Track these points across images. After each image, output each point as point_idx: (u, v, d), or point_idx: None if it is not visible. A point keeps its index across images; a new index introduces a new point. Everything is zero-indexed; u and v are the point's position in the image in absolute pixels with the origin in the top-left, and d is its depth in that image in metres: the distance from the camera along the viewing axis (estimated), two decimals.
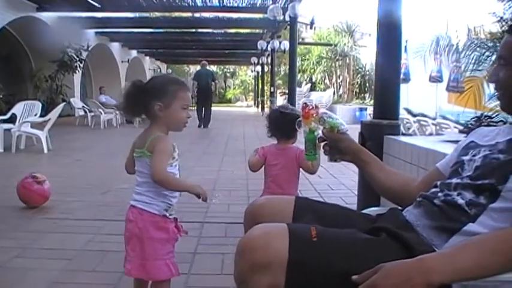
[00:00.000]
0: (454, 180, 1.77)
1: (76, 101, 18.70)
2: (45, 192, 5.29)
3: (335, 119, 2.23)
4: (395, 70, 4.30)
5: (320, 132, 2.22)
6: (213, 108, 18.57)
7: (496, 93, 1.85)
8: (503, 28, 8.38)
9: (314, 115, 2.21)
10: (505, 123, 3.31)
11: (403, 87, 6.23)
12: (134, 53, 30.87)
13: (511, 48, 1.75)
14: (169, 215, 2.50)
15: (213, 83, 18.03)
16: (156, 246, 2.43)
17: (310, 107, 2.23)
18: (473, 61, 9.82)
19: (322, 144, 2.22)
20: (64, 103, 12.76)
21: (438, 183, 1.85)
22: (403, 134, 4.39)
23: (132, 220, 2.46)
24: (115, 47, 26.56)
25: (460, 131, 5.16)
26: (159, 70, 41.25)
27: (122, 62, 27.93)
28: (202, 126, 17.27)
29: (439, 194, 1.78)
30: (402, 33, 4.18)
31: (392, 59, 4.21)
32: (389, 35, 4.16)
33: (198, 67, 19.08)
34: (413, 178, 2.25)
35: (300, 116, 2.27)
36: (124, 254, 2.55)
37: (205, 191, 2.43)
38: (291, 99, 15.80)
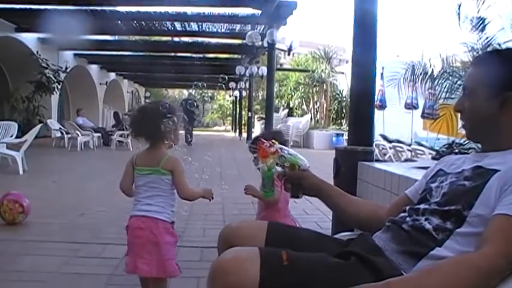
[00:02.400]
0: (422, 206, 1.82)
1: (53, 123, 18.56)
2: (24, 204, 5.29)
3: (295, 155, 2.23)
4: (370, 96, 4.34)
5: (277, 168, 2.22)
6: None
7: (463, 122, 1.91)
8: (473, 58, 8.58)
9: (273, 153, 2.19)
10: (474, 150, 3.38)
11: (379, 113, 6.35)
12: (113, 75, 30.81)
13: (474, 80, 1.83)
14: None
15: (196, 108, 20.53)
16: (170, 248, 2.89)
17: (268, 145, 2.20)
18: (446, 89, 9.99)
19: (282, 180, 2.22)
20: (41, 124, 12.71)
21: (407, 208, 1.90)
22: (377, 161, 4.45)
23: (144, 228, 2.84)
24: (93, 69, 26.52)
25: (433, 158, 5.25)
26: (137, 93, 41.21)
27: (100, 84, 27.86)
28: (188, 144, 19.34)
29: (407, 219, 1.82)
30: (377, 59, 4.25)
31: (367, 85, 4.25)
32: (365, 61, 4.23)
33: (177, 91, 19.95)
34: (380, 206, 2.29)
35: (257, 153, 2.24)
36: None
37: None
38: (269, 124, 15.87)
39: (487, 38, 8.66)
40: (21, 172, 9.65)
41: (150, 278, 2.90)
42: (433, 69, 13.40)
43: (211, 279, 1.65)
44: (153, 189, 2.89)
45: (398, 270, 1.65)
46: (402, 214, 1.89)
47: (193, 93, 30.18)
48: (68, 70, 20.15)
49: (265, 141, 2.24)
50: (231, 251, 1.70)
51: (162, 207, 2.89)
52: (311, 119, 27.18)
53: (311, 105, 30.33)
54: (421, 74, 13.87)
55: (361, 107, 4.29)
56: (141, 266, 2.82)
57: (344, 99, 28.26)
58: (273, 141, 2.25)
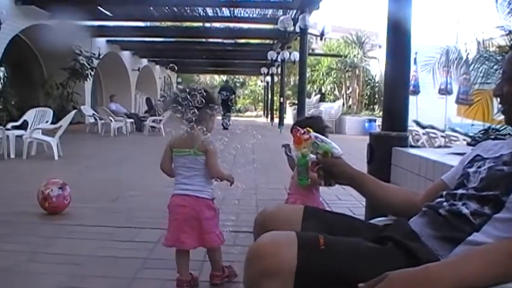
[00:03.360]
0: (460, 191, 1.81)
1: (87, 109, 18.81)
2: (66, 199, 5.36)
3: (328, 143, 2.22)
4: (404, 82, 4.31)
5: (312, 156, 2.22)
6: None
7: (501, 107, 1.88)
8: (511, 42, 8.41)
9: (306, 140, 2.20)
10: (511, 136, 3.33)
11: (412, 99, 6.27)
12: (145, 61, 30.99)
13: None
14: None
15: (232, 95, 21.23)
16: (210, 223, 3.23)
17: (302, 132, 2.22)
18: (481, 74, 9.81)
19: (316, 168, 2.22)
20: (75, 110, 12.84)
21: (444, 193, 1.88)
22: (412, 146, 4.40)
23: (186, 206, 3.18)
24: (126, 55, 26.71)
25: (468, 144, 5.18)
26: (169, 79, 41.40)
27: (133, 70, 28.07)
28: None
29: (444, 204, 1.80)
30: (411, 45, 4.21)
31: (402, 71, 4.21)
32: (399, 46, 4.19)
33: (208, 77, 20.02)
34: (414, 192, 2.27)
35: (293, 140, 2.26)
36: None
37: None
38: (301, 110, 15.82)
39: None
40: (56, 157, 9.82)
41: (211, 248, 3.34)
42: (468, 54, 13.19)
43: (248, 263, 1.66)
44: (190, 169, 3.20)
45: (435, 256, 1.64)
46: (439, 199, 1.87)
47: (224, 79, 30.45)
48: (101, 57, 20.36)
49: (300, 128, 2.25)
50: (268, 235, 1.71)
51: (202, 186, 3.21)
52: (343, 104, 27.03)
53: (343, 91, 30.16)
54: (455, 59, 13.67)
55: (395, 92, 4.25)
56: (184, 239, 3.18)
57: (377, 84, 28.03)
58: (308, 128, 2.25)
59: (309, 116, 4.59)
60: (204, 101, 3.09)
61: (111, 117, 17.17)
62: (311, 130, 2.26)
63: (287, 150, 2.32)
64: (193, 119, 3.10)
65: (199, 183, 3.20)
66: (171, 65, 29.39)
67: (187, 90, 3.10)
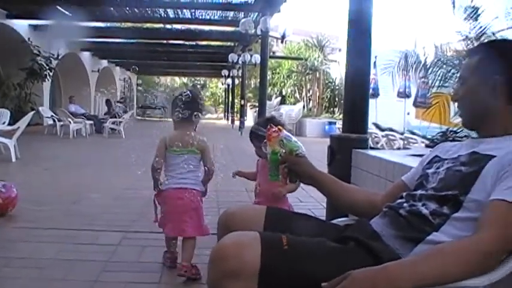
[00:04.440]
0: (419, 192, 1.85)
1: (45, 110, 18.47)
2: (13, 199, 5.24)
3: (294, 142, 2.25)
4: (365, 84, 4.35)
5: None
6: None
7: (458, 111, 1.95)
8: (468, 46, 8.60)
9: (275, 137, 2.24)
10: (468, 137, 3.42)
11: (371, 102, 6.33)
12: (105, 62, 30.65)
13: (468, 70, 1.90)
14: None
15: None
16: (202, 213, 3.66)
17: (273, 130, 2.26)
18: (439, 78, 9.98)
19: (282, 166, 2.25)
20: (33, 112, 12.62)
21: (404, 194, 1.93)
22: (372, 148, 4.46)
23: (184, 198, 3.52)
24: (85, 56, 26.36)
25: (427, 146, 5.28)
26: (129, 81, 41.04)
27: (92, 71, 27.71)
28: None
29: (405, 205, 1.85)
30: (371, 47, 4.26)
31: (362, 73, 4.25)
32: (360, 49, 4.23)
33: (169, 79, 19.54)
34: (374, 192, 2.31)
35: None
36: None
37: None
38: (261, 112, 15.85)
39: (480, 27, 8.67)
40: (13, 159, 9.63)
41: (189, 237, 3.58)
42: (426, 58, 13.40)
43: (211, 265, 1.67)
44: (188, 165, 3.56)
45: (396, 255, 1.68)
46: (399, 200, 1.92)
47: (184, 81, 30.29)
48: (59, 57, 20.03)
49: (274, 126, 2.30)
50: (230, 236, 1.72)
51: (196, 180, 3.63)
52: (304, 107, 27.23)
53: (304, 93, 30.38)
54: (414, 62, 13.87)
55: (355, 95, 4.29)
56: (187, 228, 3.53)
57: (337, 87, 28.34)
58: (279, 127, 2.30)
59: (268, 117, 4.69)
60: (194, 103, 3.59)
61: (70, 119, 16.90)
62: (282, 129, 2.29)
63: (263, 147, 2.36)
64: (190, 119, 3.56)
65: (194, 177, 3.61)
66: (133, 67, 29.21)
67: (181, 93, 3.59)
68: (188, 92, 3.67)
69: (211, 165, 3.68)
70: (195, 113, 3.61)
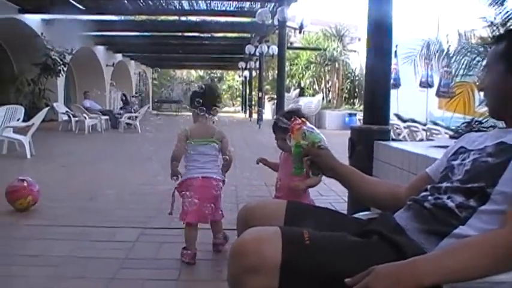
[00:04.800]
0: (444, 184, 1.83)
1: (59, 106, 18.59)
2: (34, 191, 5.31)
3: (316, 134, 2.26)
4: (386, 74, 4.33)
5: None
6: None
7: (485, 100, 1.92)
8: (493, 33, 8.49)
9: (297, 129, 2.25)
10: (494, 128, 3.38)
11: (393, 92, 6.29)
12: (119, 56, 30.81)
13: (494, 58, 1.87)
14: None
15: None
16: (220, 200, 4.04)
17: (297, 122, 2.28)
18: (463, 66, 9.89)
19: (305, 158, 2.24)
20: (47, 108, 12.72)
21: (428, 187, 1.91)
22: (393, 140, 4.43)
23: (207, 186, 3.85)
24: (100, 50, 26.52)
25: (451, 137, 5.23)
26: (144, 75, 41.19)
27: (107, 65, 27.88)
28: None
29: (429, 198, 1.83)
30: (392, 37, 4.23)
31: (383, 64, 4.24)
32: (380, 39, 4.21)
33: (185, 72, 19.56)
34: (397, 185, 2.30)
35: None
36: None
37: None
38: (280, 105, 15.80)
39: (507, 12, 8.55)
40: (28, 156, 9.71)
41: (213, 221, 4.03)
42: (449, 46, 13.28)
43: (231, 260, 1.67)
44: (207, 155, 3.89)
45: (421, 249, 1.66)
46: (424, 193, 1.90)
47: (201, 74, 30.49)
48: (73, 52, 20.13)
49: (298, 118, 2.31)
50: (250, 231, 1.72)
51: (216, 169, 3.94)
52: (323, 98, 27.12)
53: (323, 85, 30.27)
54: (437, 51, 13.75)
55: (376, 86, 4.27)
56: (207, 214, 3.84)
57: (357, 78, 28.18)
58: (303, 119, 2.33)
59: (293, 109, 4.75)
60: (211, 96, 3.92)
61: (85, 115, 16.99)
62: (306, 121, 2.31)
63: (287, 139, 2.38)
64: (208, 112, 3.85)
65: (214, 167, 3.93)
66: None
67: (199, 87, 3.94)
68: (205, 85, 3.94)
69: (230, 154, 3.98)
70: (213, 106, 3.89)
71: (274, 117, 4.12)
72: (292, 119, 2.31)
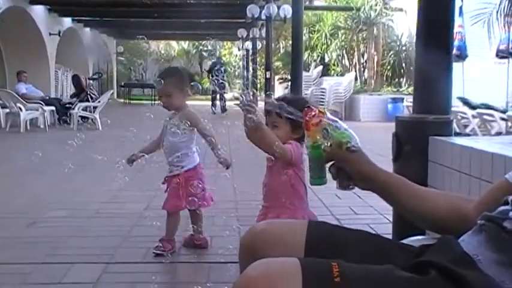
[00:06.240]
0: None
1: None
2: None
3: (343, 130, 2.21)
4: (445, 43, 4.33)
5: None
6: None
7: None
8: None
9: (315, 125, 2.20)
10: None
11: (456, 67, 6.23)
12: (68, 22, 30.62)
13: None
14: None
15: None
16: None
17: (313, 113, 2.21)
18: None
19: (329, 164, 2.22)
20: None
21: (509, 199, 1.89)
22: (458, 134, 4.44)
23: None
24: (38, 12, 26.15)
25: None
26: (105, 48, 41.16)
27: (50, 34, 27.59)
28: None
29: (511, 214, 1.81)
30: None
31: (441, 27, 4.23)
32: None
33: (162, 44, 19.62)
34: (465, 198, 2.27)
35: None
36: None
37: None
38: (295, 87, 15.71)
39: None
40: None
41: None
42: None
43: None
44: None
45: (497, 287, 1.66)
46: (502, 208, 1.88)
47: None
48: None
49: (313, 107, 2.25)
50: (259, 265, 1.71)
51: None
52: (356, 78, 27.10)
53: (356, 59, 30.26)
54: None
55: (431, 58, 4.26)
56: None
57: (404, 48, 28.12)
58: (320, 109, 2.25)
59: (288, 98, 4.42)
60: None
61: (19, 104, 16.83)
62: (324, 111, 2.24)
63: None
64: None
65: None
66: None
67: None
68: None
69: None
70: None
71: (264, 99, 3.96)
72: (306, 109, 2.25)
